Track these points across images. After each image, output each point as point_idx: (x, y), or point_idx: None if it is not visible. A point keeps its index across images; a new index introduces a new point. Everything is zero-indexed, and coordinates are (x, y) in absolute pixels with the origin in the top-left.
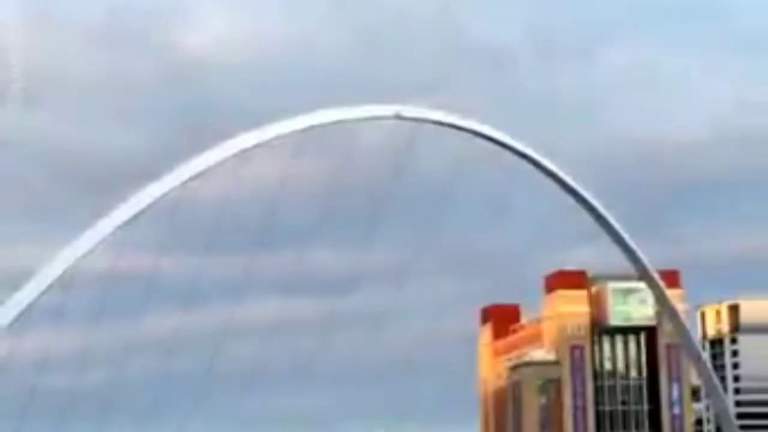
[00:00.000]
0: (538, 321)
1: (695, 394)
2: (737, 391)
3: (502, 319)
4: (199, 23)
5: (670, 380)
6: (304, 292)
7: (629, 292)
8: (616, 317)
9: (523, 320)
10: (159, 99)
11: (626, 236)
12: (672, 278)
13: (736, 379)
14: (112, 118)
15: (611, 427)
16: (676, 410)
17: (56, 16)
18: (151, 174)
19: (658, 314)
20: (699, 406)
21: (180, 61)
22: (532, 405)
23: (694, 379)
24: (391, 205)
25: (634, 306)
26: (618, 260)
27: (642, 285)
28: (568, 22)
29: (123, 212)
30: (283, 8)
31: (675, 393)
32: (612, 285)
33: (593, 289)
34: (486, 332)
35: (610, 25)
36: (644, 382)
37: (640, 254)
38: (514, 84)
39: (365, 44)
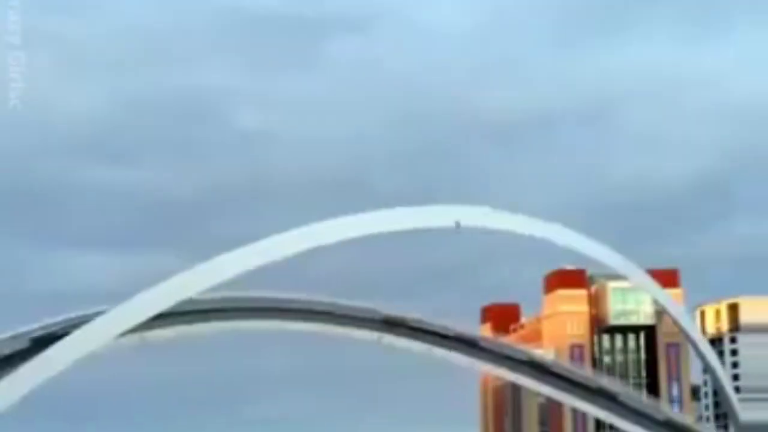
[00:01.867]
0: (538, 320)
1: (695, 393)
2: (737, 390)
3: (501, 318)
4: (257, 103)
5: (669, 379)
6: None
7: (629, 291)
8: (615, 316)
9: (523, 319)
10: (226, 161)
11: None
12: (671, 277)
13: (736, 378)
14: (189, 174)
15: (611, 427)
16: (676, 410)
17: (145, 97)
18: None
19: (658, 313)
20: (699, 406)
21: (241, 132)
22: (532, 405)
23: (694, 379)
24: None
25: (633, 305)
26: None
27: None
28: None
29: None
30: (324, 103)
31: (675, 392)
32: (612, 284)
33: (593, 288)
34: (486, 332)
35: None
36: (644, 382)
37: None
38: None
39: (399, 129)
